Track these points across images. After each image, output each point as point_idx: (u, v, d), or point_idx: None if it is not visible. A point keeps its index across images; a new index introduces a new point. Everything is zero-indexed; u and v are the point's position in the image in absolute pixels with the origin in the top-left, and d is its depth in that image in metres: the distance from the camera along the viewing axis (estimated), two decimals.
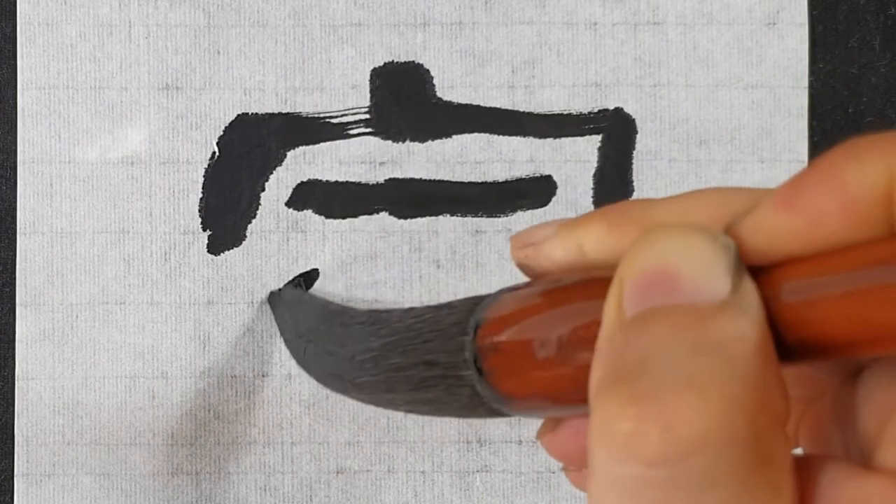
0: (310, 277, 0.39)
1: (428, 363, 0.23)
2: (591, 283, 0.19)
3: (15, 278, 0.38)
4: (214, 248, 0.39)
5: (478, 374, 0.22)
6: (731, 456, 0.16)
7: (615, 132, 0.39)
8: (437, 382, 0.23)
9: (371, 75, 0.39)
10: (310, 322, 0.34)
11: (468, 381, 0.22)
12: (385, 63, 0.39)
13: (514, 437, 0.39)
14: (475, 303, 0.22)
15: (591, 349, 0.18)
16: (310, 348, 0.33)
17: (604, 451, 0.16)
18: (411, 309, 0.25)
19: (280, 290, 0.38)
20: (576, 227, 0.20)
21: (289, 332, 0.37)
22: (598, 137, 0.39)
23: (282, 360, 0.38)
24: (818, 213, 0.17)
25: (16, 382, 0.38)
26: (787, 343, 0.17)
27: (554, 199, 0.39)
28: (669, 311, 0.17)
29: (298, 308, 0.36)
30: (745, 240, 0.17)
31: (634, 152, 0.39)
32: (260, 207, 0.38)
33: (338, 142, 0.39)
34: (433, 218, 0.39)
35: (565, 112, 0.39)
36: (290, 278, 0.39)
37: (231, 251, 0.39)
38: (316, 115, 0.39)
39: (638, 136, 0.39)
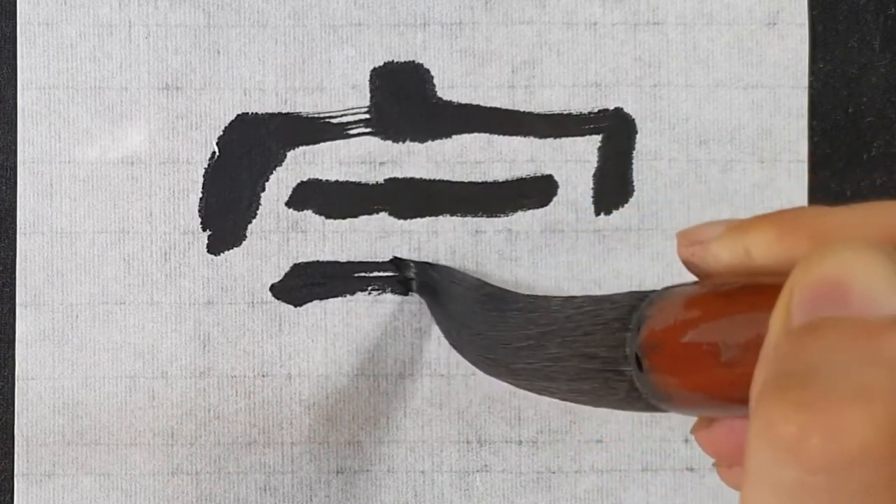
0: (404, 265, 0.38)
1: (587, 356, 0.23)
2: (760, 290, 0.19)
3: (15, 278, 0.38)
4: (214, 248, 0.39)
5: (638, 370, 0.22)
6: (894, 470, 0.16)
7: (615, 132, 0.39)
8: (594, 375, 0.23)
9: (371, 75, 0.39)
10: (464, 303, 0.34)
11: (627, 376, 0.22)
12: (385, 63, 0.39)
13: (514, 437, 0.39)
14: (639, 298, 0.22)
15: (757, 355, 0.18)
16: (464, 331, 0.33)
17: (764, 454, 0.16)
18: (571, 299, 0.25)
19: (428, 264, 0.38)
20: (745, 230, 0.20)
21: (440, 312, 0.36)
22: (598, 137, 0.39)
23: (282, 360, 0.38)
24: None
25: (16, 382, 0.38)
26: None
27: (554, 199, 0.39)
28: (839, 323, 0.17)
29: (452, 288, 0.36)
30: None
31: (634, 152, 0.39)
32: (260, 207, 0.38)
33: (338, 142, 0.39)
34: (433, 218, 0.39)
35: (565, 112, 0.39)
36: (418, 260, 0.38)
37: (231, 251, 0.39)
38: (316, 115, 0.39)
39: (638, 136, 0.39)
